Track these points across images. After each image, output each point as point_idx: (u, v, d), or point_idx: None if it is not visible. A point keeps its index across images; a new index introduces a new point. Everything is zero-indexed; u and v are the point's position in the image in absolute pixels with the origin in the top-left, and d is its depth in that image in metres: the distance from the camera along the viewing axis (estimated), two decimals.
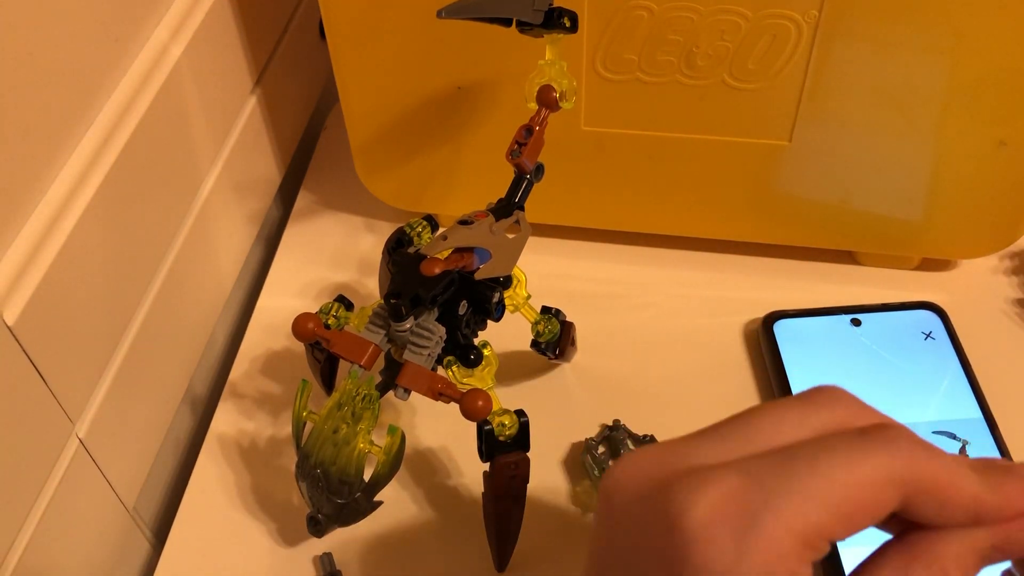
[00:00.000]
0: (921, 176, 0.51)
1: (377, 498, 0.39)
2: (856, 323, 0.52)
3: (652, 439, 0.47)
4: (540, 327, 0.47)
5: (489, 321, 0.43)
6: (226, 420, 0.52)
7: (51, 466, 0.40)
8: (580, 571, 0.26)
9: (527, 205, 0.44)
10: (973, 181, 0.50)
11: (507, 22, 0.41)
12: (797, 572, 0.23)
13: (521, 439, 0.39)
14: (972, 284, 0.56)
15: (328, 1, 0.49)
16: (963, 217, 0.52)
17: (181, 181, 0.49)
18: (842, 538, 0.24)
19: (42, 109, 0.38)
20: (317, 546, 0.46)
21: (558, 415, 0.50)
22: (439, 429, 0.50)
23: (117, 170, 0.42)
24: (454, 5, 0.39)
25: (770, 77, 0.48)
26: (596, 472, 0.47)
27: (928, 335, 0.52)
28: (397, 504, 0.47)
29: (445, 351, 0.40)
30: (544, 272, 0.49)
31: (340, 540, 0.45)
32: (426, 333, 0.39)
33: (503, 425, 0.38)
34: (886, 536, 0.26)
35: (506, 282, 0.44)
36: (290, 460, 0.46)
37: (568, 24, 0.42)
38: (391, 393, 0.39)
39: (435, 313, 0.40)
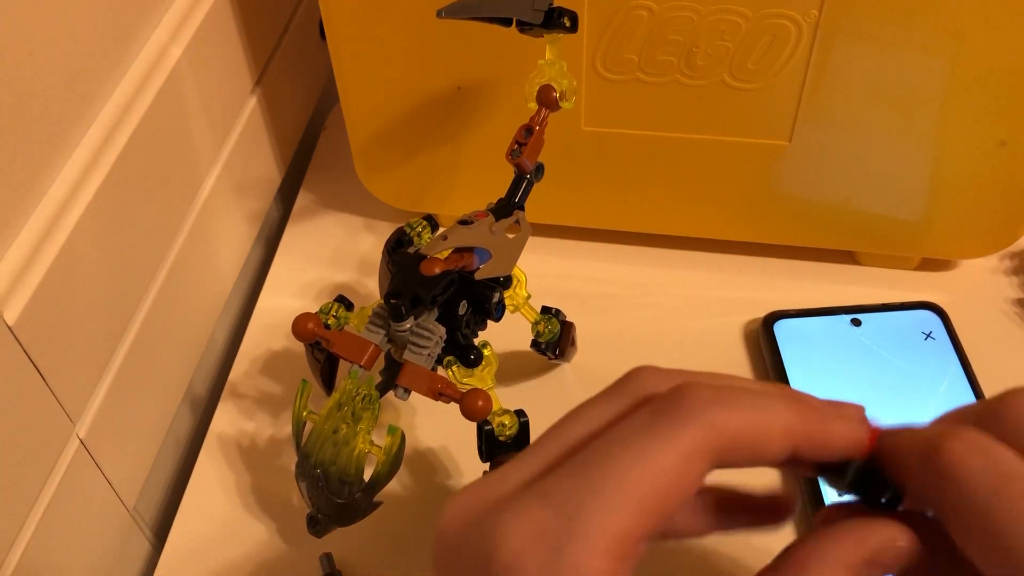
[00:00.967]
0: (921, 176, 0.51)
1: (377, 498, 0.39)
2: (856, 323, 0.52)
3: None
4: (540, 327, 0.47)
5: (489, 321, 0.43)
6: (226, 420, 0.52)
7: (51, 466, 0.40)
8: None
9: (527, 205, 0.44)
10: (973, 181, 0.50)
11: (507, 22, 0.41)
12: None
13: (521, 439, 0.39)
14: (972, 284, 0.56)
15: (328, 1, 0.49)
16: (963, 217, 0.52)
17: (181, 181, 0.49)
18: (660, 530, 0.24)
19: (42, 109, 0.38)
20: (317, 546, 0.46)
21: (558, 415, 0.50)
22: (439, 429, 0.50)
23: (117, 170, 0.42)
24: (454, 5, 0.39)
25: (770, 77, 0.48)
26: None
27: (928, 335, 0.52)
28: (397, 504, 0.47)
29: (445, 351, 0.40)
30: (544, 272, 0.49)
31: (340, 540, 0.45)
32: (426, 333, 0.39)
33: (503, 425, 0.38)
34: None
35: (506, 282, 0.44)
36: (290, 460, 0.46)
37: (568, 24, 0.42)
38: (391, 393, 0.39)
39: (435, 313, 0.40)
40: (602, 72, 0.49)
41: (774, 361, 0.51)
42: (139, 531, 0.48)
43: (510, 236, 0.42)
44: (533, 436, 0.39)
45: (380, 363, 0.41)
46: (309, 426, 0.39)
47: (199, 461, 0.50)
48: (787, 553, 0.26)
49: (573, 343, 0.50)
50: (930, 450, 0.24)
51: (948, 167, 0.50)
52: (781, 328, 0.52)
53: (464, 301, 0.41)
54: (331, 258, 0.59)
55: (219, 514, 0.48)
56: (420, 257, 0.39)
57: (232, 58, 0.54)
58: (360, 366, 0.39)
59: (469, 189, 0.56)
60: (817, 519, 0.28)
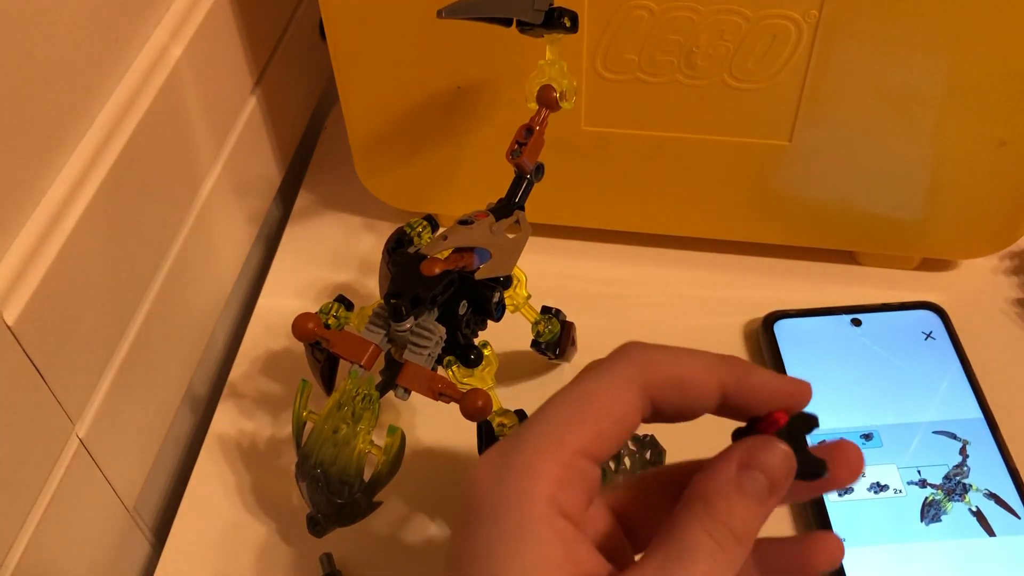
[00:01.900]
0: (921, 176, 0.51)
1: (377, 498, 0.39)
2: (856, 323, 0.52)
3: (652, 439, 0.47)
4: (540, 327, 0.47)
5: (489, 321, 0.43)
6: (226, 420, 0.52)
7: (51, 466, 0.40)
8: None
9: (527, 205, 0.44)
10: (973, 181, 0.50)
11: (507, 22, 0.41)
12: (555, 495, 0.26)
13: None
14: (972, 284, 0.56)
15: (328, 1, 0.49)
16: (963, 217, 0.52)
17: (181, 181, 0.49)
18: (600, 451, 0.27)
19: (42, 109, 0.38)
20: (317, 546, 0.46)
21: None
22: (439, 429, 0.50)
23: (117, 170, 0.42)
24: (454, 5, 0.39)
25: (770, 77, 0.48)
26: None
27: (928, 335, 0.52)
28: (397, 504, 0.47)
29: (445, 351, 0.40)
30: (544, 272, 0.49)
31: (340, 540, 0.45)
32: (426, 333, 0.39)
33: (503, 425, 0.38)
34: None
35: (506, 282, 0.44)
36: (290, 460, 0.46)
37: (568, 24, 0.42)
38: (391, 393, 0.39)
39: (435, 313, 0.40)
40: (602, 72, 0.49)
41: (774, 361, 0.51)
42: (139, 531, 0.48)
43: (510, 236, 0.42)
44: None
45: (380, 363, 0.41)
46: (309, 426, 0.39)
47: (199, 461, 0.50)
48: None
49: (573, 343, 0.50)
50: None
51: (948, 167, 0.50)
52: (781, 328, 0.52)
53: (464, 301, 0.41)
54: (331, 258, 0.59)
55: (219, 514, 0.48)
56: (420, 257, 0.39)
57: (232, 58, 0.54)
58: (360, 366, 0.39)
59: (469, 189, 0.56)
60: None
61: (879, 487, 0.46)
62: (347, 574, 0.45)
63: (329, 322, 0.42)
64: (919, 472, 0.46)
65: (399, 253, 0.41)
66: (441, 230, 0.42)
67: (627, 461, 0.45)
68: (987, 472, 0.46)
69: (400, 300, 0.38)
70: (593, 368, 0.29)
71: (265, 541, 0.46)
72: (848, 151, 0.50)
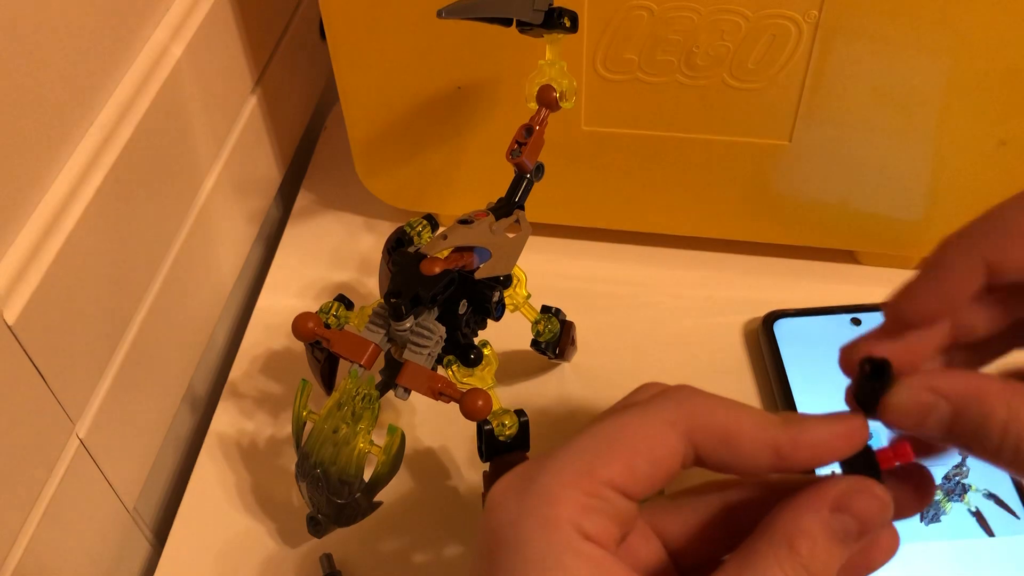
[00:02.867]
0: (921, 176, 0.51)
1: (377, 498, 0.39)
2: (856, 323, 0.52)
3: None
4: (540, 327, 0.47)
5: (489, 320, 0.43)
6: (226, 420, 0.52)
7: (51, 466, 0.40)
8: None
9: (527, 204, 0.44)
10: (973, 181, 0.50)
11: (507, 22, 0.41)
12: (579, 521, 0.25)
13: (521, 439, 0.39)
14: None
15: (328, 1, 0.49)
16: (963, 217, 0.52)
17: (181, 181, 0.49)
18: (632, 488, 0.26)
19: (42, 109, 0.38)
20: (317, 546, 0.46)
21: (558, 415, 0.50)
22: (439, 429, 0.50)
23: (117, 170, 0.42)
24: (454, 5, 0.39)
25: (770, 77, 0.48)
26: None
27: None
28: (397, 504, 0.47)
29: (445, 351, 0.40)
30: (544, 272, 0.49)
31: (340, 540, 0.45)
32: (426, 333, 0.39)
33: (503, 425, 0.38)
34: None
35: (506, 281, 0.44)
36: (290, 460, 0.46)
37: (568, 24, 0.42)
38: (391, 393, 0.39)
39: (435, 312, 0.40)
40: (602, 72, 0.49)
41: (774, 361, 0.51)
42: (139, 531, 0.48)
43: (510, 235, 0.42)
44: (533, 436, 0.39)
45: (380, 363, 0.41)
46: (309, 426, 0.39)
47: (199, 461, 0.50)
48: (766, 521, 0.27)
49: (573, 343, 0.50)
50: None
51: (948, 167, 0.50)
52: (781, 328, 0.52)
53: (464, 300, 0.41)
54: (331, 258, 0.59)
55: (219, 514, 0.48)
56: (420, 257, 0.39)
57: (232, 58, 0.54)
58: (360, 366, 0.39)
59: (469, 189, 0.56)
60: None
61: None
62: (347, 574, 0.45)
63: (329, 321, 0.42)
64: None
65: (399, 253, 0.41)
66: (441, 230, 0.42)
67: None
68: (986, 472, 0.46)
69: (400, 299, 0.38)
70: (633, 405, 0.27)
71: (265, 541, 0.46)
72: (848, 151, 0.50)
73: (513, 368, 0.52)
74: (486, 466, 0.40)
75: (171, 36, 0.47)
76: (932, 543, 0.44)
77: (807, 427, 0.26)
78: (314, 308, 0.42)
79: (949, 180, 0.50)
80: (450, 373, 0.40)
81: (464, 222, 0.41)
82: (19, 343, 0.37)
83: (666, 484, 0.27)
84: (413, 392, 0.38)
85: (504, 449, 0.38)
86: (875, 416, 0.27)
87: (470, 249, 0.40)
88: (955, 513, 0.44)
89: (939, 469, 0.46)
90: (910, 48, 0.45)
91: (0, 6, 0.35)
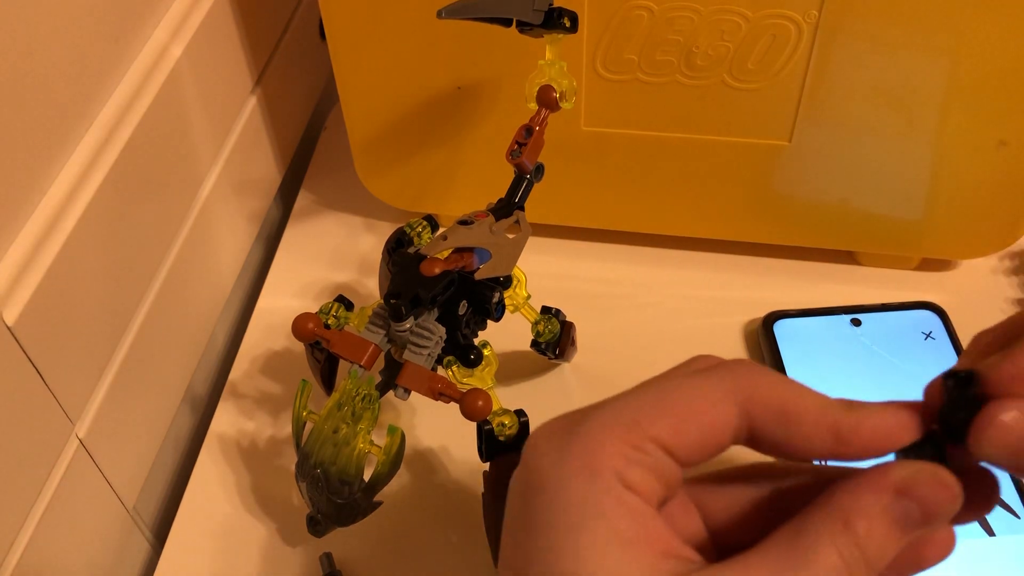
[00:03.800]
0: (921, 176, 0.51)
1: (377, 498, 0.39)
2: (856, 323, 0.52)
3: None
4: (540, 327, 0.47)
5: (489, 321, 0.43)
6: (226, 420, 0.52)
7: (51, 466, 0.40)
8: None
9: (527, 205, 0.44)
10: (973, 181, 0.50)
11: (507, 22, 0.41)
12: (623, 471, 0.24)
13: (521, 439, 0.39)
14: (972, 284, 0.56)
15: (328, 1, 0.49)
16: (963, 217, 0.52)
17: (181, 181, 0.49)
18: (679, 451, 0.25)
19: (42, 109, 0.38)
20: (317, 546, 0.46)
21: (558, 415, 0.50)
22: (439, 429, 0.50)
23: (117, 170, 0.42)
24: (454, 5, 0.39)
25: (770, 77, 0.48)
26: None
27: (928, 335, 0.52)
28: (397, 504, 0.47)
29: (445, 351, 0.40)
30: (544, 272, 0.49)
31: (340, 540, 0.45)
32: (426, 333, 0.39)
33: (503, 425, 0.38)
34: None
35: (506, 282, 0.44)
36: (290, 460, 0.46)
37: (568, 24, 0.42)
38: (391, 393, 0.39)
39: (435, 313, 0.40)
40: (602, 72, 0.49)
41: (774, 361, 0.51)
42: (139, 531, 0.48)
43: (510, 236, 0.42)
44: None
45: (380, 363, 0.41)
46: (309, 426, 0.39)
47: (199, 461, 0.50)
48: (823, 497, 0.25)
49: (573, 343, 0.50)
50: None
51: (948, 167, 0.50)
52: (781, 328, 0.52)
53: (464, 301, 0.41)
54: (331, 258, 0.59)
55: (219, 514, 0.48)
56: (420, 257, 0.39)
57: (232, 58, 0.54)
58: (360, 366, 0.39)
59: (469, 189, 0.56)
60: None
61: None
62: (347, 574, 0.45)
63: (329, 322, 0.42)
64: None
65: (399, 253, 0.41)
66: (441, 230, 0.42)
67: None
68: None
69: (400, 300, 0.38)
70: (689, 370, 0.26)
71: (265, 541, 0.46)
72: (848, 151, 0.50)
73: (513, 368, 0.52)
74: (486, 466, 0.40)
75: (171, 36, 0.47)
76: None
77: (871, 413, 0.25)
78: (314, 308, 0.42)
79: (949, 180, 0.50)
80: (450, 373, 0.40)
81: (464, 223, 0.41)
82: (18, 344, 0.37)
83: (714, 456, 0.25)
84: (413, 392, 0.38)
85: (504, 449, 0.38)
86: (964, 444, 0.24)
87: (470, 250, 0.40)
88: None
89: None
90: (910, 48, 0.45)
91: (0, 6, 0.35)
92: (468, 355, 0.40)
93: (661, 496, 0.25)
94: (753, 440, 0.25)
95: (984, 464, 0.25)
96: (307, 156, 0.67)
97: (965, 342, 0.51)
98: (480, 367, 0.41)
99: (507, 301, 0.44)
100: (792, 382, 0.25)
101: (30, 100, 0.37)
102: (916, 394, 0.27)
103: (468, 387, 0.38)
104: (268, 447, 0.50)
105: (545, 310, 0.47)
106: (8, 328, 0.36)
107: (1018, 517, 0.44)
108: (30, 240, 0.38)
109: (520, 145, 0.43)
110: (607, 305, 0.56)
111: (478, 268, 0.41)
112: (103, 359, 0.43)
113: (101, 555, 0.45)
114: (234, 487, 0.49)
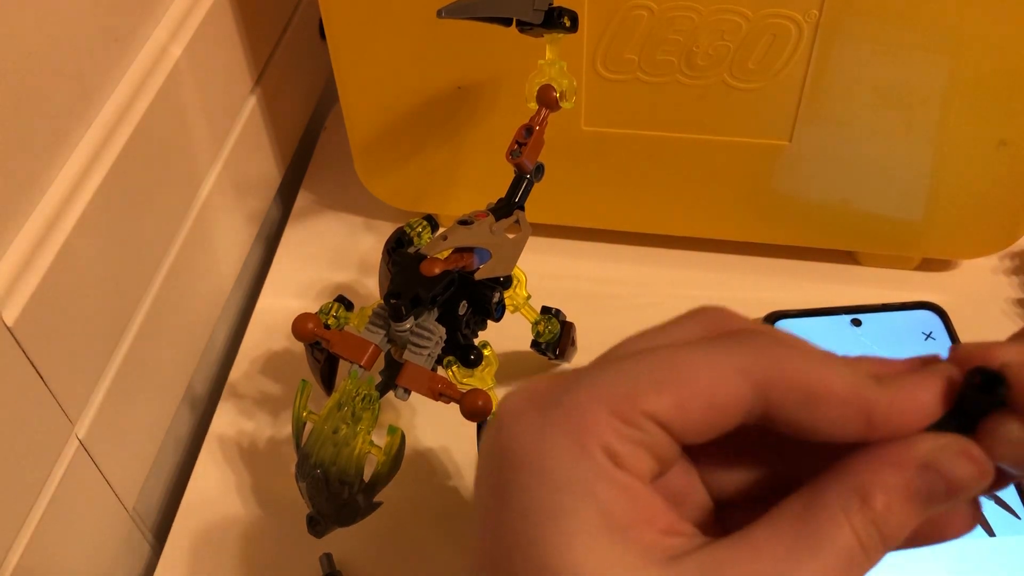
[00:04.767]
0: (921, 176, 0.51)
1: (377, 498, 0.39)
2: (856, 323, 0.52)
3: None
4: (540, 327, 0.47)
5: (489, 321, 0.43)
6: (226, 420, 0.52)
7: (51, 466, 0.40)
8: None
9: (527, 205, 0.44)
10: (974, 181, 0.50)
11: (507, 22, 0.41)
12: (613, 447, 0.21)
13: None
14: (972, 284, 0.56)
15: (328, 1, 0.49)
16: (963, 217, 0.52)
17: (181, 181, 0.49)
18: (679, 428, 0.22)
19: (42, 109, 0.38)
20: (317, 546, 0.46)
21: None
22: (439, 429, 0.50)
23: (117, 170, 0.42)
24: (454, 5, 0.39)
25: (770, 77, 0.48)
26: None
27: (928, 335, 0.52)
28: (397, 504, 0.47)
29: (445, 351, 0.40)
30: (544, 272, 0.49)
31: (340, 540, 0.45)
32: (426, 333, 0.39)
33: None
34: None
35: (506, 282, 0.44)
36: (290, 460, 0.46)
37: (568, 24, 0.42)
38: (391, 393, 0.39)
39: (435, 313, 0.40)
40: (602, 72, 0.49)
41: None
42: (139, 531, 0.48)
43: (510, 236, 0.42)
44: None
45: (380, 363, 0.41)
46: (309, 426, 0.39)
47: (199, 461, 0.50)
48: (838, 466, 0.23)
49: (573, 343, 0.50)
50: None
51: (948, 167, 0.50)
52: (781, 328, 0.52)
53: (464, 301, 0.41)
54: (331, 258, 0.59)
55: (219, 514, 0.48)
56: (420, 257, 0.39)
57: (232, 58, 0.54)
58: (360, 366, 0.39)
59: (469, 189, 0.56)
60: None
61: None
62: (347, 574, 0.45)
63: (329, 322, 0.42)
64: None
65: (399, 253, 0.41)
66: (441, 230, 0.42)
67: None
68: None
69: (400, 300, 0.38)
70: (697, 327, 0.24)
71: (265, 541, 0.46)
72: (848, 151, 0.50)
73: (513, 369, 0.51)
74: None
75: (170, 36, 0.47)
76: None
77: (904, 389, 0.22)
78: (314, 309, 0.42)
79: (949, 180, 0.50)
80: (450, 374, 0.40)
81: (464, 223, 0.41)
82: (18, 344, 0.37)
83: (719, 435, 0.23)
84: (413, 392, 0.38)
85: None
86: (973, 437, 0.22)
87: (470, 250, 0.40)
88: None
89: None
90: (910, 48, 0.45)
91: (0, 6, 0.35)
92: (468, 355, 0.40)
93: (655, 472, 0.23)
94: (768, 420, 0.23)
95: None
96: (307, 156, 0.67)
97: (965, 342, 0.51)
98: (480, 367, 0.41)
99: (507, 301, 0.44)
100: (818, 356, 0.23)
101: (30, 100, 0.37)
102: None
103: (468, 387, 0.38)
104: (268, 447, 0.50)
105: (545, 310, 0.47)
106: (8, 328, 0.36)
107: (1018, 517, 0.44)
108: (30, 240, 0.38)
109: (520, 145, 0.43)
110: (607, 305, 0.55)
111: (478, 268, 0.41)
112: (103, 359, 0.43)
113: (101, 555, 0.45)
114: (234, 487, 0.49)
